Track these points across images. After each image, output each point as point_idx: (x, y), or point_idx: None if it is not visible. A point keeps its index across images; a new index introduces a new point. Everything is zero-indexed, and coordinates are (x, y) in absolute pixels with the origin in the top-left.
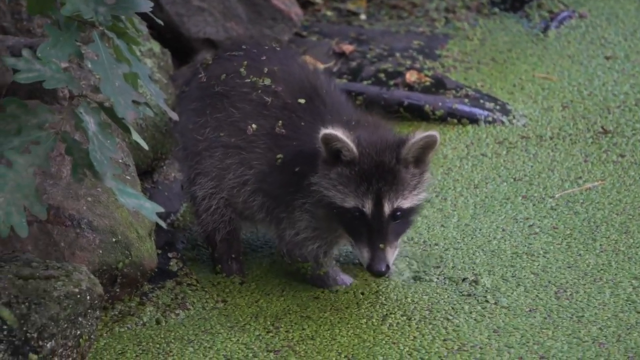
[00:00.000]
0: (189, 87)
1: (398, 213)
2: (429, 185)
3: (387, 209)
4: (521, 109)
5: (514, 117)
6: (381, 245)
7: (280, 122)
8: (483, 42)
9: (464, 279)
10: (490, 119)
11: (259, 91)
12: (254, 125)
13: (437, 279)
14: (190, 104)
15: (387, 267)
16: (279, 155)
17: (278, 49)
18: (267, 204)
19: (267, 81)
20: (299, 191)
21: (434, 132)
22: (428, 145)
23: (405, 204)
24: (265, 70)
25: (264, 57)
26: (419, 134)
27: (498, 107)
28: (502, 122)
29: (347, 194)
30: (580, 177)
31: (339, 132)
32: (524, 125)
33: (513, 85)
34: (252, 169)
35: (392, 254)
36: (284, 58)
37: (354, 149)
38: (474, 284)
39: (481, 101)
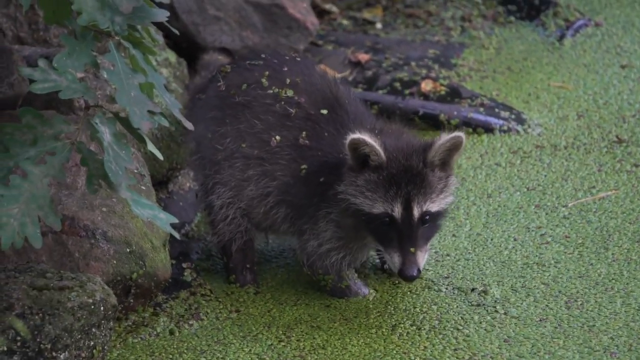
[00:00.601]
0: (205, 95)
1: (427, 217)
2: (455, 189)
3: (416, 212)
4: (536, 118)
5: (529, 126)
6: (412, 250)
7: (304, 133)
8: (499, 50)
9: (472, 289)
10: (505, 128)
11: (282, 102)
12: (277, 137)
13: (446, 289)
14: (208, 113)
15: (419, 271)
16: (303, 166)
17: (298, 58)
18: (291, 215)
19: (290, 92)
20: (323, 201)
21: (459, 133)
22: (454, 147)
23: (434, 207)
24: (288, 81)
25: (286, 68)
26: (445, 136)
27: (513, 116)
28: (517, 132)
29: (376, 199)
30: (594, 187)
31: (366, 137)
32: (539, 134)
33: (528, 94)
34: (275, 181)
35: (422, 258)
36: (304, 68)
37: (382, 153)
38: (483, 294)
39: (496, 110)
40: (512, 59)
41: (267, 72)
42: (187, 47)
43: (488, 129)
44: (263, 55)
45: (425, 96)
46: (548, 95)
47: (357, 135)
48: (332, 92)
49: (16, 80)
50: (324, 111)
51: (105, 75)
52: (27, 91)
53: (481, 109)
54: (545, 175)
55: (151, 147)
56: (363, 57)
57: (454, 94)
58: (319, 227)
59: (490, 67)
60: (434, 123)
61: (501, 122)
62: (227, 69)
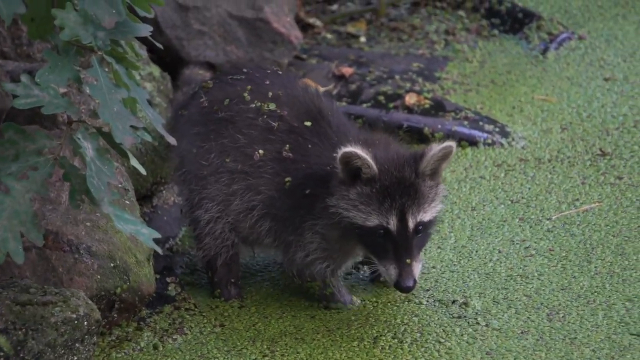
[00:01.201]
0: (188, 111)
1: (420, 227)
2: (443, 197)
3: (411, 224)
4: (520, 131)
5: (513, 139)
6: (408, 261)
7: (287, 146)
8: (482, 64)
9: (453, 301)
10: (489, 141)
11: (265, 116)
12: (260, 151)
13: (427, 301)
14: (192, 129)
15: (415, 281)
16: (287, 179)
17: (280, 72)
18: (275, 228)
19: (272, 106)
20: (309, 213)
21: (451, 142)
22: (445, 157)
23: (426, 217)
24: (270, 94)
25: (267, 82)
26: (436, 146)
27: (497, 129)
28: (501, 145)
29: (370, 212)
30: (578, 199)
31: (358, 150)
32: (523, 147)
33: (512, 107)
34: (260, 195)
35: (418, 269)
36: (286, 81)
37: (374, 166)
38: (464, 306)
39: (480, 123)
40: (496, 72)
41: (249, 87)
42: (171, 61)
43: (472, 142)
44: (245, 70)
45: (410, 109)
46: (532, 108)
47: (349, 149)
48: (314, 104)
49: None
50: (308, 123)
51: (88, 91)
52: (10, 106)
53: (465, 122)
54: (529, 188)
55: (134, 162)
56: (347, 70)
57: (438, 108)
58: (305, 239)
59: (474, 80)
60: (418, 136)
61: (485, 135)
62: (209, 85)
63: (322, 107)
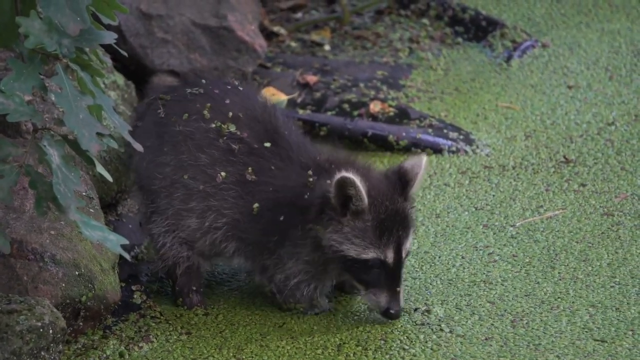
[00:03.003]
0: (143, 122)
1: (407, 255)
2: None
3: (404, 254)
4: (484, 138)
5: (477, 147)
6: (398, 289)
7: (249, 168)
8: (447, 72)
9: (415, 309)
10: (454, 148)
11: (225, 138)
12: (223, 174)
13: None
14: (146, 141)
15: (402, 308)
16: (255, 205)
17: (239, 87)
18: (245, 251)
19: (232, 127)
20: (286, 240)
21: (423, 156)
22: (422, 173)
23: (410, 241)
24: (230, 114)
25: (228, 100)
26: (416, 164)
27: (462, 137)
28: (466, 152)
29: (366, 246)
30: (542, 206)
31: (357, 179)
32: (487, 154)
33: (476, 114)
34: (224, 217)
35: (403, 295)
36: (246, 99)
37: (365, 199)
38: (426, 313)
39: (445, 131)
40: (460, 79)
41: (209, 104)
42: (135, 69)
43: (437, 150)
44: (204, 81)
45: (374, 117)
46: (496, 115)
47: (347, 175)
48: (272, 124)
49: None
50: (267, 144)
51: (53, 98)
52: None
53: (430, 130)
54: (494, 195)
55: (100, 169)
56: (311, 78)
57: (402, 115)
58: (285, 264)
59: (438, 88)
60: (383, 144)
61: (450, 142)
62: (166, 97)
63: (279, 125)
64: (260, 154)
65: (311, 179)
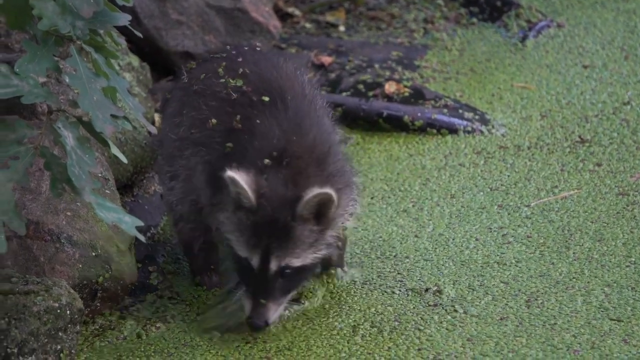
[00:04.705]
0: (171, 94)
1: (287, 271)
2: (331, 242)
3: (273, 266)
4: (500, 118)
5: (492, 127)
6: (262, 301)
7: (238, 117)
8: (462, 52)
9: (426, 290)
10: (469, 128)
11: (228, 89)
12: (213, 120)
13: (400, 290)
14: (169, 108)
15: (266, 323)
16: (228, 144)
17: (259, 49)
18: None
19: (239, 82)
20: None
21: (328, 189)
22: (323, 203)
23: (297, 262)
24: (240, 71)
25: (241, 59)
26: (315, 190)
27: (477, 117)
28: (481, 132)
29: (241, 243)
30: (557, 186)
31: (241, 178)
32: (503, 134)
33: (492, 95)
34: (210, 168)
35: (273, 311)
36: (262, 59)
37: (253, 199)
38: (438, 294)
39: (460, 111)
40: (475, 60)
41: (224, 63)
42: (149, 51)
43: (452, 130)
44: (228, 47)
45: (389, 98)
46: (511, 95)
47: (232, 174)
48: (280, 84)
49: None
50: (266, 98)
51: (68, 80)
52: None
53: (445, 110)
54: (509, 176)
55: (115, 150)
56: (326, 59)
57: (417, 96)
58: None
59: (453, 68)
60: (398, 124)
61: (465, 123)
62: (192, 65)
63: (286, 88)
64: (254, 106)
65: (266, 161)
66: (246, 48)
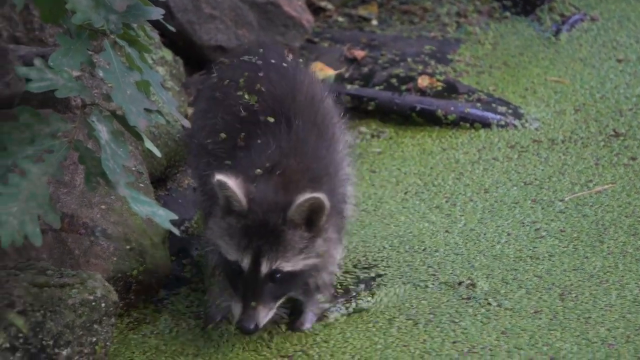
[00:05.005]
0: (201, 90)
1: (277, 275)
2: (322, 252)
3: (264, 268)
4: (533, 112)
5: (526, 121)
6: (253, 304)
7: (242, 134)
8: (495, 46)
9: (459, 283)
10: (502, 122)
11: (241, 105)
12: (223, 135)
13: (433, 284)
14: (200, 104)
15: (257, 326)
16: (227, 162)
17: (285, 63)
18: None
19: (253, 99)
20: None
21: (319, 195)
22: (314, 209)
23: (287, 266)
24: (257, 86)
25: (262, 73)
26: (306, 194)
27: (510, 111)
28: (515, 126)
29: (231, 246)
30: (591, 180)
31: (230, 182)
32: (536, 128)
33: (525, 89)
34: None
35: (264, 314)
36: (282, 78)
37: (244, 202)
38: (471, 287)
39: (493, 105)
40: (509, 54)
41: (246, 73)
42: (183, 45)
43: (485, 124)
44: (261, 50)
45: (422, 92)
46: (545, 89)
47: (221, 177)
48: (288, 102)
49: (12, 79)
50: (271, 119)
51: (101, 74)
52: (23, 90)
53: (478, 104)
54: (543, 170)
55: (149, 144)
56: (359, 53)
57: (450, 90)
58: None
59: (486, 62)
60: (431, 119)
61: (498, 117)
62: (224, 62)
63: (296, 114)
64: (259, 126)
65: (258, 171)
66: (273, 61)
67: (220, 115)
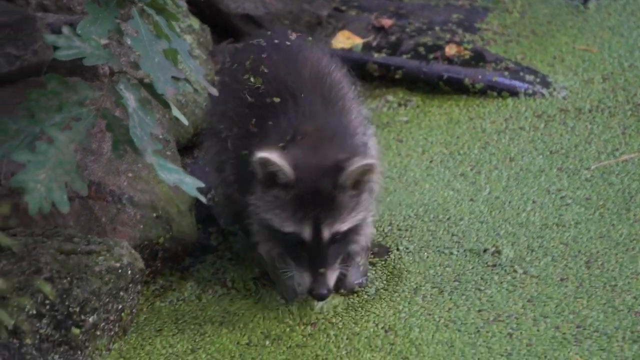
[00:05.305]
0: (223, 67)
1: (337, 237)
2: (368, 204)
3: (326, 234)
4: (561, 81)
5: (554, 90)
6: (321, 270)
7: (253, 120)
8: (523, 14)
9: (484, 250)
10: (530, 91)
11: (247, 90)
12: (238, 125)
13: (457, 251)
14: (216, 84)
15: (329, 290)
16: (244, 152)
17: (290, 43)
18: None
19: (258, 81)
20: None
21: (371, 159)
22: (365, 172)
23: (344, 226)
24: (261, 69)
25: (265, 54)
26: (357, 161)
27: (538, 80)
28: (542, 95)
29: (285, 218)
30: (617, 149)
31: (274, 156)
32: (564, 97)
33: (553, 57)
34: (236, 169)
35: (332, 277)
36: (283, 56)
37: (290, 172)
38: (496, 254)
39: (521, 74)
40: (537, 22)
41: (252, 57)
42: (210, 13)
43: (513, 93)
44: (269, 33)
45: (450, 60)
46: (573, 58)
47: (264, 155)
48: (294, 81)
49: (40, 47)
50: (276, 99)
51: (129, 42)
52: (51, 58)
53: (506, 73)
54: (569, 139)
55: (176, 112)
56: (386, 22)
57: (478, 58)
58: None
59: (514, 30)
60: (459, 87)
61: (526, 85)
62: (239, 46)
63: (299, 80)
64: (268, 108)
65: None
66: (277, 41)
67: (229, 102)
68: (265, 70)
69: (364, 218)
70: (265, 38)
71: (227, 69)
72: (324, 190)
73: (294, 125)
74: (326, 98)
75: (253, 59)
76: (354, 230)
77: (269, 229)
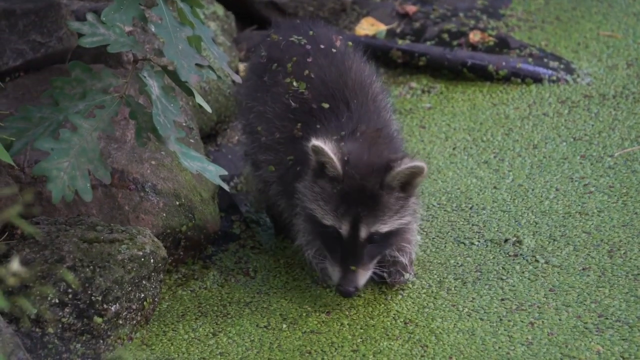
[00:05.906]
0: (252, 57)
1: (375, 237)
2: (415, 210)
3: (363, 233)
4: (586, 67)
5: (578, 76)
6: (352, 267)
7: (299, 124)
8: (547, 0)
9: (505, 240)
10: (554, 78)
11: (291, 94)
12: (277, 135)
13: (478, 241)
14: (247, 80)
15: (356, 289)
16: (290, 157)
17: (334, 49)
18: (285, 207)
19: (302, 86)
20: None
21: (421, 162)
22: (414, 174)
23: (384, 228)
24: (305, 73)
25: (310, 59)
26: (406, 161)
27: (562, 66)
28: (566, 81)
29: (327, 211)
30: None
31: (326, 146)
32: (588, 84)
33: (577, 43)
34: (275, 172)
35: (363, 277)
36: (329, 61)
37: (339, 167)
38: (517, 244)
39: (545, 60)
40: (561, 8)
41: (295, 58)
42: (234, 0)
43: (537, 79)
44: (311, 32)
45: (474, 47)
46: (597, 44)
47: (317, 143)
48: (340, 86)
49: (65, 34)
50: (325, 105)
51: (153, 29)
52: (75, 45)
53: (530, 59)
54: (593, 125)
55: (199, 99)
56: (411, 8)
57: (502, 45)
58: (298, 224)
59: (538, 17)
60: (483, 74)
61: (550, 72)
62: (274, 38)
63: (347, 88)
64: (315, 113)
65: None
66: (322, 46)
67: (269, 104)
68: (312, 75)
69: (408, 223)
70: (305, 36)
71: (264, 66)
72: (369, 188)
73: (348, 127)
74: (370, 108)
75: (296, 62)
76: (395, 233)
77: (311, 219)
